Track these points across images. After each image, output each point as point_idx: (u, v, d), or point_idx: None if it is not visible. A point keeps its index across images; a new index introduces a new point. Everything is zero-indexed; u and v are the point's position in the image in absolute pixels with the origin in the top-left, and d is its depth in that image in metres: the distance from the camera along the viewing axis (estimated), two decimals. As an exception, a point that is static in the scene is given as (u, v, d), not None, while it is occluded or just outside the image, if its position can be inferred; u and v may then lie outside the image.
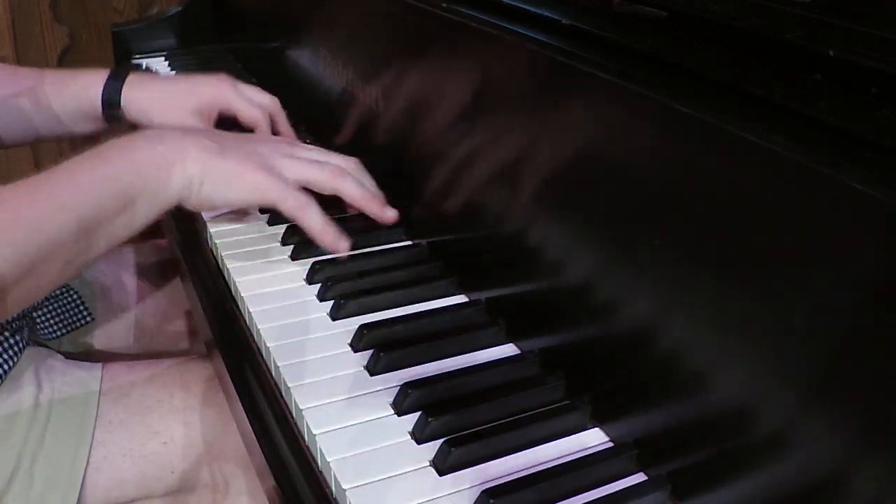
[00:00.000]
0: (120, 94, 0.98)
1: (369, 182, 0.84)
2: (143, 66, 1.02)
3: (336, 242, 0.79)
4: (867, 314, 0.41)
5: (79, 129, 1.02)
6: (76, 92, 0.99)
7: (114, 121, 0.99)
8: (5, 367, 0.84)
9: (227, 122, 0.99)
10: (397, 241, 0.87)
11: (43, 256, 0.66)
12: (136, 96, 0.98)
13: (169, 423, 0.86)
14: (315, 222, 0.78)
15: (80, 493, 0.81)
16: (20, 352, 0.87)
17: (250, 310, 0.74)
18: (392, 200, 0.91)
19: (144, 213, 0.73)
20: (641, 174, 0.55)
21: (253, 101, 0.99)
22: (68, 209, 0.67)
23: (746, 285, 0.48)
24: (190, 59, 1.49)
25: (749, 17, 0.56)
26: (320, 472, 0.58)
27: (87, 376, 0.87)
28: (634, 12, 0.66)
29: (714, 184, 0.50)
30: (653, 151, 0.54)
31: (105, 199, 0.70)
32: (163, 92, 1.01)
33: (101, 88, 0.98)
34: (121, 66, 1.03)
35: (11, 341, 0.86)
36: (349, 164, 0.84)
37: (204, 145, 0.76)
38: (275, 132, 1.00)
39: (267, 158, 0.79)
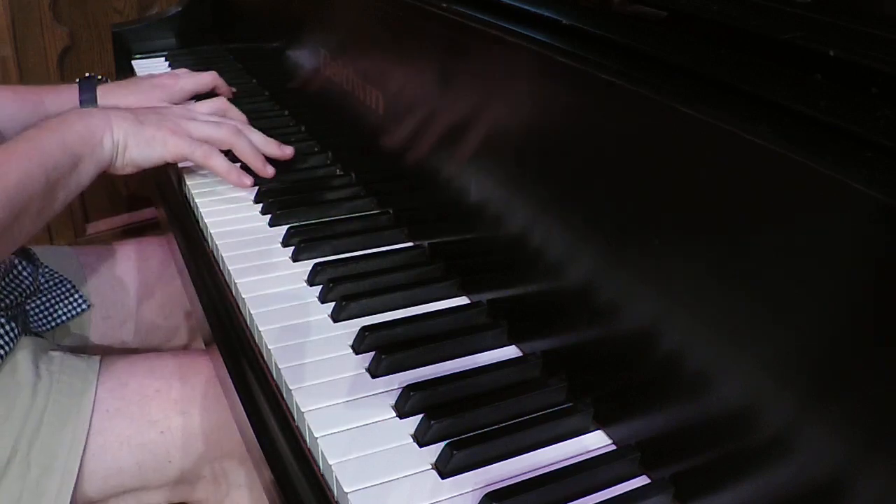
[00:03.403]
0: (96, 103, 1.11)
1: (259, 138, 1.01)
2: (101, 77, 1.16)
3: (240, 179, 0.97)
4: (868, 314, 0.41)
5: None
6: (55, 109, 1.08)
7: None
8: (2, 351, 0.85)
9: None
10: (399, 243, 0.87)
11: (23, 206, 0.79)
12: (112, 103, 1.09)
13: (167, 413, 0.88)
14: (220, 165, 0.96)
15: (77, 480, 0.82)
16: (16, 338, 0.88)
17: (251, 311, 0.74)
18: (392, 201, 0.91)
19: (87, 172, 0.89)
20: (642, 174, 0.55)
21: (199, 78, 1.21)
22: (38, 167, 0.81)
23: (748, 286, 0.48)
24: (190, 59, 1.49)
25: (749, 17, 0.56)
26: (322, 476, 0.58)
27: (84, 366, 0.89)
28: (634, 12, 0.66)
29: (714, 184, 0.50)
30: (652, 151, 0.54)
31: (61, 160, 0.84)
32: (132, 94, 1.14)
33: (78, 102, 1.10)
34: (85, 79, 1.14)
35: (7, 328, 0.87)
36: (241, 122, 1.03)
37: (124, 116, 0.93)
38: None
39: (176, 123, 0.96)
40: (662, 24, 0.63)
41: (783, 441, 0.46)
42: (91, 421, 0.84)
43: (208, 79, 1.22)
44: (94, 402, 0.85)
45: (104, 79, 1.15)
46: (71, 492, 0.81)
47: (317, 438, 0.59)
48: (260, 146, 1.00)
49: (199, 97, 1.20)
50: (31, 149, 0.83)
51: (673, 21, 0.62)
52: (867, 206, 0.40)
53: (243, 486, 0.92)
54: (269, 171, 0.99)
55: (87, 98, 1.10)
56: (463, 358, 0.68)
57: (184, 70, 1.25)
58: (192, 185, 1.00)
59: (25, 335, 0.92)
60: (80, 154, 0.87)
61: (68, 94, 1.10)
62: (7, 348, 0.86)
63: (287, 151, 1.02)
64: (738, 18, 0.56)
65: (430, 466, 0.57)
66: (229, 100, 1.24)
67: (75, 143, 0.87)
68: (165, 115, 0.98)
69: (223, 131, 0.98)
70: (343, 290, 0.76)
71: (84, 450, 0.83)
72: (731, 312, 0.49)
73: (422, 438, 0.59)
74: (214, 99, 1.10)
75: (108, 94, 1.12)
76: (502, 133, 0.70)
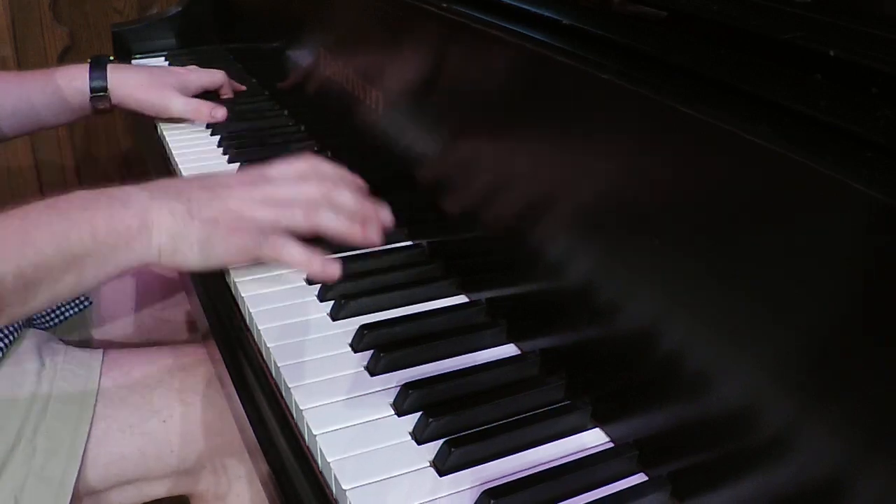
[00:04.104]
0: (105, 80, 1.10)
1: (348, 198, 0.77)
2: (111, 59, 1.16)
3: (325, 271, 0.74)
4: (868, 314, 0.41)
5: (57, 122, 1.14)
6: (60, 85, 1.09)
7: (100, 104, 1.11)
8: (6, 341, 0.86)
9: None
10: (398, 242, 0.87)
11: None
12: (121, 79, 1.11)
13: (169, 402, 0.88)
14: (297, 259, 0.74)
15: (80, 466, 0.83)
16: (20, 328, 0.89)
17: (250, 310, 0.74)
18: (392, 201, 0.91)
19: (93, 276, 0.69)
20: (641, 174, 0.55)
21: (212, 76, 1.22)
22: (6, 260, 0.64)
23: (747, 286, 0.48)
24: (190, 60, 1.48)
25: (749, 17, 0.56)
26: (320, 473, 0.58)
27: (88, 356, 0.89)
28: (634, 12, 0.66)
29: (714, 184, 0.50)
30: (651, 151, 0.54)
31: (50, 257, 0.65)
32: (143, 74, 1.15)
33: (87, 77, 1.09)
34: (97, 57, 1.13)
35: None
36: (322, 188, 0.77)
37: (171, 209, 0.71)
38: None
39: (238, 214, 0.73)
40: (662, 24, 0.63)
41: (782, 440, 0.46)
42: (94, 408, 0.85)
43: (218, 77, 1.23)
44: (98, 390, 0.86)
45: (114, 60, 1.16)
46: (75, 477, 0.82)
47: (315, 436, 0.59)
48: (353, 209, 0.77)
49: (206, 94, 1.22)
50: (13, 232, 0.65)
51: (673, 21, 0.62)
52: (867, 206, 0.40)
53: (243, 477, 0.92)
54: (373, 236, 0.77)
55: (97, 76, 1.09)
56: (461, 356, 0.68)
57: (194, 67, 1.26)
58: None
59: (30, 328, 0.92)
60: (85, 253, 0.67)
61: (77, 72, 1.10)
62: (12, 337, 0.87)
63: (373, 237, 0.78)
64: (738, 18, 0.56)
65: (429, 464, 0.57)
66: (234, 96, 1.27)
67: (84, 239, 0.67)
68: (224, 196, 0.73)
69: (299, 216, 0.74)
70: (342, 289, 0.76)
71: (88, 436, 0.84)
72: (731, 312, 0.49)
73: (420, 436, 0.59)
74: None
75: (118, 71, 1.11)
76: (501, 132, 0.70)
